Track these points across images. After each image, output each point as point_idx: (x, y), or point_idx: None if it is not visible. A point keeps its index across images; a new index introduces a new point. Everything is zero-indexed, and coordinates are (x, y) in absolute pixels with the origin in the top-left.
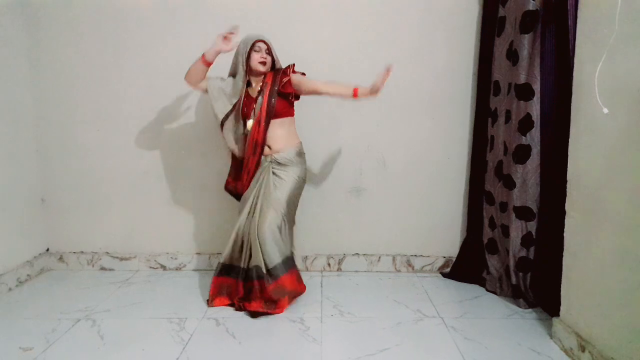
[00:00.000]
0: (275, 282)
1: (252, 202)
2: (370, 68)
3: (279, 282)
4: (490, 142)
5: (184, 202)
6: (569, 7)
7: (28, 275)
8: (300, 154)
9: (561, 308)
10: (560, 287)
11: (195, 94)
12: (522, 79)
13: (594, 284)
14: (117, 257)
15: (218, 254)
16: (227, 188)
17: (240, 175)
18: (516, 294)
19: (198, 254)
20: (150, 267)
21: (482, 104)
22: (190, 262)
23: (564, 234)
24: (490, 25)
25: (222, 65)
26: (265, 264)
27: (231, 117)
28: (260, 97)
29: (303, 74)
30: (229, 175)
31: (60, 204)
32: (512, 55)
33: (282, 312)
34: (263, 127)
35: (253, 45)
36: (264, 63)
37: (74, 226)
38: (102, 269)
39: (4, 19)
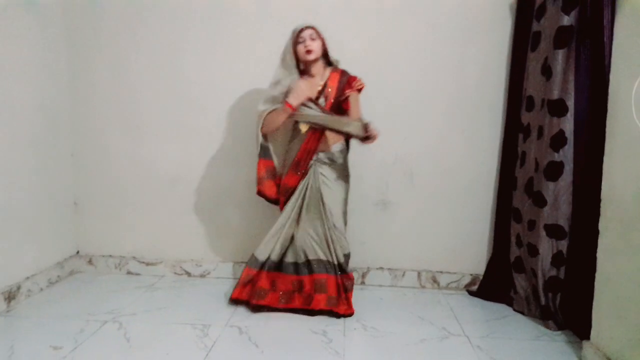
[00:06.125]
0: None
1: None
2: (400, 81)
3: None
4: (521, 158)
5: (210, 211)
6: (605, 23)
7: (58, 276)
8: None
9: (592, 331)
10: (591, 308)
11: (227, 103)
12: (555, 95)
13: (627, 307)
14: (143, 262)
15: (242, 262)
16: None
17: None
18: (545, 315)
19: (222, 262)
20: (175, 273)
21: (513, 119)
22: (215, 270)
23: (597, 254)
24: (523, 39)
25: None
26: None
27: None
28: (322, 99)
29: (360, 89)
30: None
31: (91, 208)
32: (546, 71)
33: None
34: (318, 135)
35: (296, 38)
36: (310, 52)
37: (103, 230)
38: (129, 273)
39: (47, 30)
